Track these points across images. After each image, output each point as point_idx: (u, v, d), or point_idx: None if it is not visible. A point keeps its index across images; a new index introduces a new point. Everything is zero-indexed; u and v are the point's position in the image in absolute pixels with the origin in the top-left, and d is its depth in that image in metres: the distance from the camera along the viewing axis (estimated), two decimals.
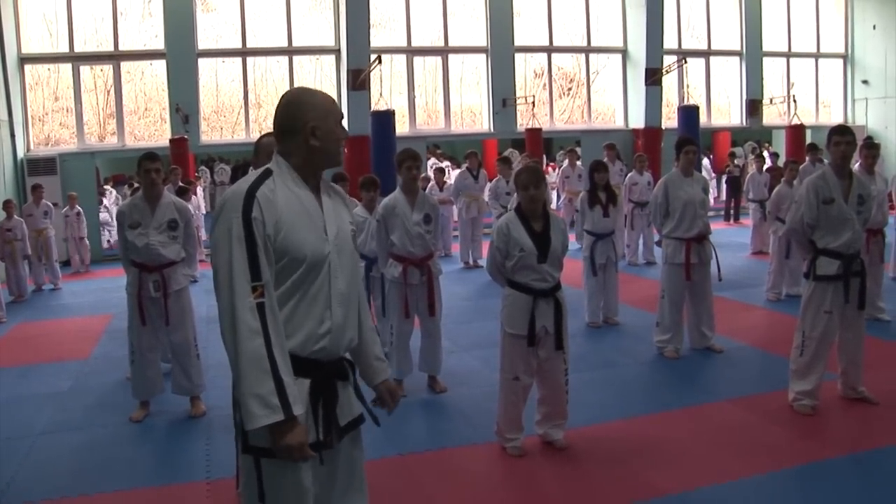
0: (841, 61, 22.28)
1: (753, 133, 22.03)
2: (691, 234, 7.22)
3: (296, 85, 17.24)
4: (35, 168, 15.72)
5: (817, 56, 22.06)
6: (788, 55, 21.71)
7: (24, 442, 5.94)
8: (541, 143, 17.88)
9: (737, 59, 20.93)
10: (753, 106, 20.76)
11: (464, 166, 14.43)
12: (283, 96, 2.83)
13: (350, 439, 2.88)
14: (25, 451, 5.75)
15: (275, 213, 2.59)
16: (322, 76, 17.94)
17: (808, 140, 17.20)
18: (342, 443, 2.82)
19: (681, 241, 7.24)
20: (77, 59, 16.76)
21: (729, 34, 20.87)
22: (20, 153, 15.84)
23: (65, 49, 16.68)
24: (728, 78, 21.22)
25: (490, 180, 13.53)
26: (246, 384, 2.50)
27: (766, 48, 20.99)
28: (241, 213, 2.56)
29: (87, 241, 15.18)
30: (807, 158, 12.73)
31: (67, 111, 17.16)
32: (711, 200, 8.83)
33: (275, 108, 2.82)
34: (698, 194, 7.27)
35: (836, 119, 21.33)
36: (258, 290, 2.53)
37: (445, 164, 18.17)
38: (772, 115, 21.40)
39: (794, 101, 20.42)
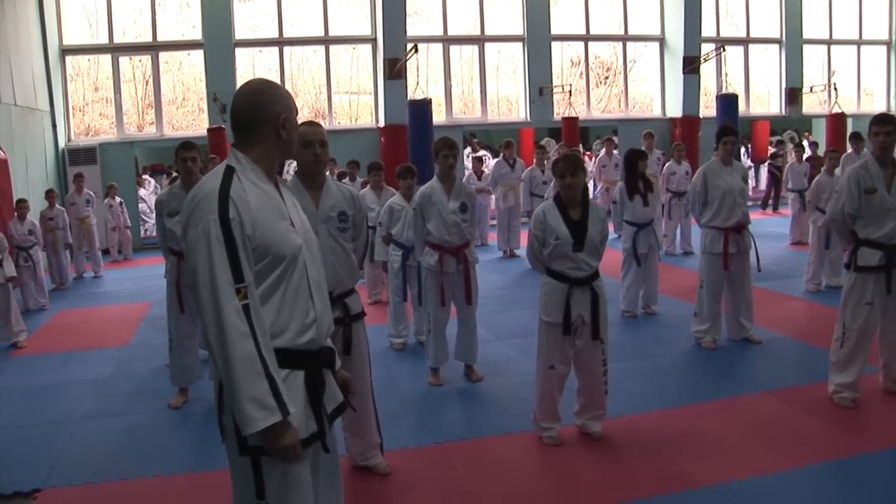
0: (884, 48, 21.87)
1: (793, 122, 21.71)
2: (730, 223, 7.13)
3: (332, 74, 17.37)
4: (76, 158, 15.95)
5: (859, 43, 21.68)
6: (829, 42, 21.34)
7: (67, 426, 6.06)
8: (577, 132, 17.77)
9: (776, 46, 20.63)
10: (793, 94, 20.48)
11: (500, 156, 14.40)
12: (243, 87, 2.78)
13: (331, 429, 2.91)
14: (68, 435, 5.86)
15: (250, 212, 2.57)
16: (358, 65, 17.98)
17: (850, 129, 16.94)
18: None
19: (719, 230, 7.15)
20: (116, 50, 16.96)
21: (768, 21, 20.57)
22: (61, 143, 16.10)
23: (104, 40, 16.88)
24: (767, 66, 20.92)
25: (526, 169, 13.48)
26: (242, 388, 2.47)
27: (806, 35, 20.66)
28: (216, 214, 2.51)
29: (129, 230, 15.37)
30: (849, 148, 12.55)
31: (107, 101, 17.37)
32: (750, 190, 8.70)
33: (233, 100, 2.76)
34: (737, 183, 7.17)
35: (878, 107, 20.95)
36: (242, 291, 2.49)
37: (483, 153, 18.11)
38: (812, 104, 21.07)
39: (835, 89, 20.11)
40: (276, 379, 2.51)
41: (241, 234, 2.52)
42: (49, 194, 12.37)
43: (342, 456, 4.89)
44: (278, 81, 15.29)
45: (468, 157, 17.28)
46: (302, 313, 2.69)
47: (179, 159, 6.18)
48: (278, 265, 2.62)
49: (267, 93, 2.74)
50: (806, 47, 20.75)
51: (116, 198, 14.97)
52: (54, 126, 15.82)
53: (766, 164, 19.16)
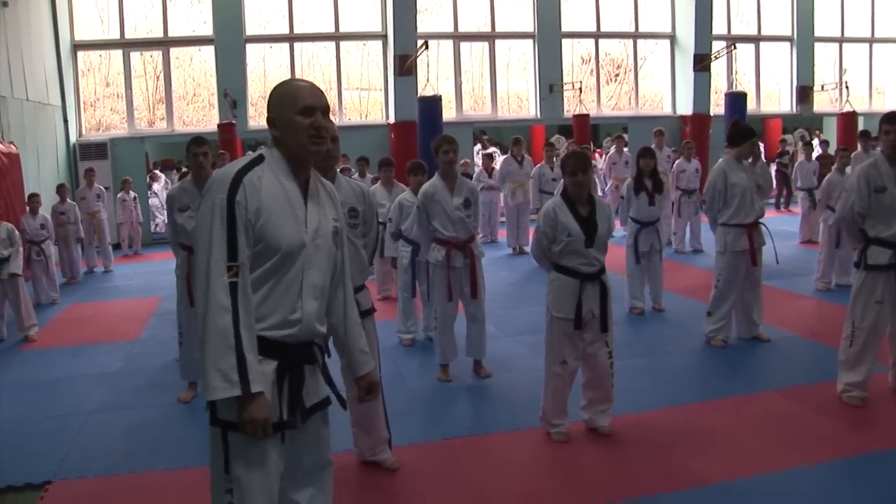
0: None
1: (804, 120, 21.64)
2: (750, 219, 7.09)
3: (343, 71, 17.41)
4: (87, 153, 16.02)
5: (872, 41, 21.56)
6: (841, 40, 21.23)
7: (78, 420, 6.09)
8: (588, 130, 17.76)
9: (787, 44, 20.54)
10: (804, 92, 20.39)
11: (509, 153, 14.39)
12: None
13: (318, 419, 2.96)
14: (78, 428, 5.90)
15: (257, 200, 2.68)
16: (369, 62, 17.99)
17: (861, 127, 16.86)
18: (311, 422, 2.90)
19: (741, 227, 7.10)
20: (127, 45, 17.02)
21: (780, 19, 20.47)
22: (73, 138, 16.17)
23: (116, 36, 16.95)
24: (778, 64, 20.84)
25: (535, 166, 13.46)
26: (210, 357, 2.60)
27: (818, 33, 20.56)
28: (226, 194, 2.65)
29: (140, 225, 15.43)
30: (859, 146, 12.50)
31: (118, 97, 17.44)
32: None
33: None
34: (749, 180, 7.14)
35: (890, 105, 20.81)
36: (233, 269, 2.62)
37: (493, 149, 18.10)
38: (823, 102, 20.98)
39: (847, 87, 20.00)
40: (248, 358, 2.61)
41: (244, 216, 2.64)
42: (60, 189, 12.43)
43: (350, 451, 4.95)
44: (288, 77, 15.38)
45: (478, 153, 17.29)
46: (286, 309, 2.75)
47: (191, 154, 6.18)
48: (272, 256, 2.71)
49: (270, 94, 2.87)
50: (817, 45, 20.65)
51: (130, 192, 15.04)
52: (66, 121, 15.90)
53: (773, 162, 19.07)
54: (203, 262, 2.63)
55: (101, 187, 13.97)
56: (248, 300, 2.65)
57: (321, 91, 2.88)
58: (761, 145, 20.18)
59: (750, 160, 7.29)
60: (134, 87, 17.22)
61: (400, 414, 5.46)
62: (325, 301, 2.93)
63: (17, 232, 8.81)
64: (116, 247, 15.23)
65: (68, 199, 12.50)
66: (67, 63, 16.19)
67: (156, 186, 18.02)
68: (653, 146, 11.30)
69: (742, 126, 7.47)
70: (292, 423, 2.79)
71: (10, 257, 8.58)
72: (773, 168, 18.59)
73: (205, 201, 2.69)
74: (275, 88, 2.87)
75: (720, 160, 7.39)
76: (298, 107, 2.76)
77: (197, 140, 6.25)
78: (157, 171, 19.06)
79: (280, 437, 2.77)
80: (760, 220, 7.21)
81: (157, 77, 17.43)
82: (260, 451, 2.72)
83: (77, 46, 16.65)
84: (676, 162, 12.87)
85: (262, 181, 2.71)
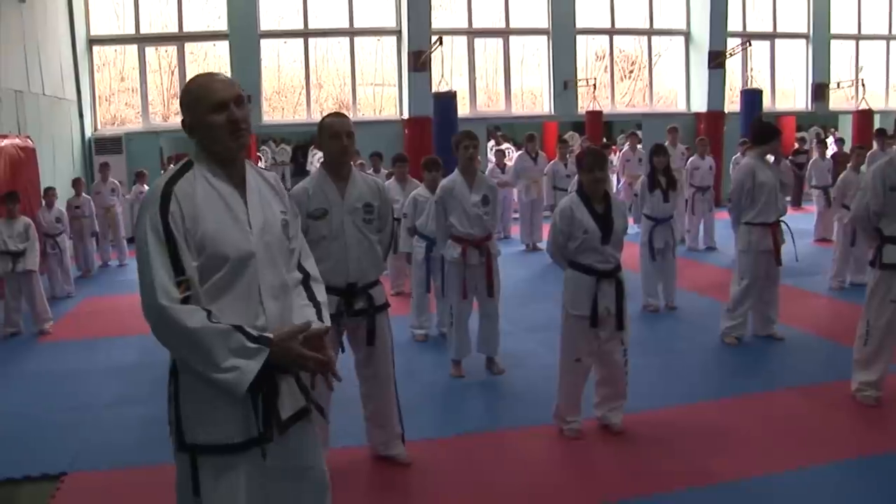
0: None
1: (819, 118, 21.51)
2: (773, 219, 7.04)
3: (357, 66, 17.43)
4: (102, 147, 16.08)
5: (889, 38, 21.39)
6: (858, 37, 21.07)
7: (92, 412, 6.15)
8: (602, 127, 17.73)
9: (803, 41, 20.42)
10: (820, 90, 20.27)
11: (523, 149, 14.38)
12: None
13: (301, 428, 2.77)
14: (92, 421, 5.95)
15: (192, 207, 2.52)
16: (383, 57, 17.98)
17: (877, 125, 16.78)
18: (293, 432, 2.71)
19: (765, 226, 7.04)
20: (143, 40, 17.07)
21: (795, 16, 20.35)
22: (88, 132, 16.25)
23: (131, 31, 16.99)
24: (794, 61, 20.72)
25: (549, 162, 13.45)
26: (217, 349, 2.45)
27: (834, 30, 20.43)
28: (157, 208, 2.49)
29: None
30: (874, 144, 12.44)
31: (133, 91, 17.50)
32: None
33: None
34: (775, 178, 7.10)
35: None
36: (183, 284, 2.46)
37: (507, 145, 18.09)
38: (839, 100, 20.84)
39: (863, 85, 19.87)
40: (242, 327, 2.49)
41: (181, 228, 2.49)
42: (76, 183, 12.51)
43: (363, 446, 4.96)
44: (303, 72, 15.38)
45: (491, 149, 17.29)
46: (248, 318, 2.56)
47: None
48: (221, 267, 2.55)
49: (181, 95, 2.71)
50: (834, 42, 20.52)
51: (146, 186, 15.08)
52: (81, 115, 15.97)
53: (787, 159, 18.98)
54: (148, 283, 2.45)
55: (116, 181, 14.02)
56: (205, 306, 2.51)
57: (230, 80, 2.70)
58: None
59: (773, 159, 7.25)
60: (149, 81, 17.29)
61: (413, 409, 5.46)
62: (289, 296, 2.76)
63: (34, 227, 8.87)
64: (131, 240, 15.29)
65: (83, 194, 12.56)
66: (83, 58, 16.26)
67: None
68: (666, 143, 11.28)
69: (768, 125, 7.44)
70: (268, 437, 2.62)
71: (26, 251, 8.63)
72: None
73: (139, 221, 2.53)
74: (183, 89, 2.70)
75: (747, 158, 7.34)
76: (209, 104, 2.59)
77: None
78: (172, 166, 19.12)
79: (261, 453, 2.61)
80: (781, 219, 7.18)
81: (172, 72, 17.49)
82: (232, 475, 2.62)
83: (92, 41, 16.71)
84: (690, 159, 12.83)
85: (194, 188, 2.55)
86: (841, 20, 20.58)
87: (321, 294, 2.90)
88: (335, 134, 4.40)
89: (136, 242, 2.55)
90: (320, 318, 2.80)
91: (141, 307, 2.49)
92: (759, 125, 7.41)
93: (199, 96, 2.62)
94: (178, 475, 2.69)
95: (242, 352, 2.47)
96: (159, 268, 2.45)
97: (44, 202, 10.86)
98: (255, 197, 2.70)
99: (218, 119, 2.59)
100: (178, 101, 2.73)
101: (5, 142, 11.01)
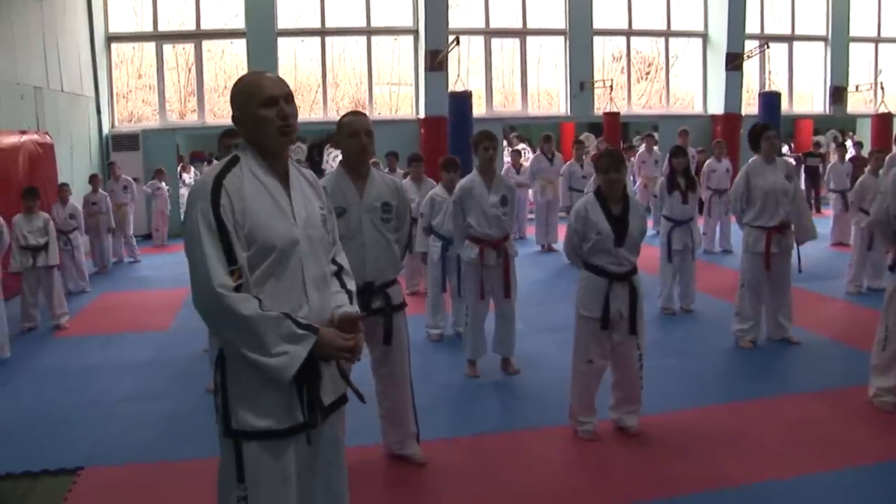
0: None
1: (837, 121, 21.38)
2: (773, 222, 7.03)
3: (374, 65, 17.45)
4: (119, 144, 16.21)
5: None
6: (877, 40, 20.95)
7: (108, 408, 6.19)
8: (618, 128, 17.71)
9: (822, 44, 20.32)
10: (838, 93, 20.17)
11: (539, 150, 14.37)
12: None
13: (334, 418, 2.87)
14: (109, 416, 5.99)
15: (242, 201, 2.60)
16: (400, 56, 18.01)
17: None
18: (326, 422, 2.80)
19: (762, 229, 7.07)
20: (160, 37, 17.17)
21: (814, 18, 20.26)
22: (105, 129, 16.34)
23: (149, 28, 17.11)
24: (812, 64, 20.61)
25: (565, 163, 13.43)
26: (268, 335, 2.54)
27: (853, 33, 20.31)
28: (209, 201, 2.57)
29: (169, 215, 15.59)
30: (894, 148, 12.36)
31: (150, 89, 17.61)
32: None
33: None
34: (781, 182, 7.06)
35: None
36: (235, 273, 2.54)
37: (522, 146, 18.08)
38: (857, 103, 20.73)
39: (882, 88, 19.75)
40: (290, 315, 2.59)
41: (231, 220, 2.57)
42: (93, 179, 12.58)
43: (378, 444, 4.97)
44: (319, 71, 15.38)
45: (507, 150, 17.28)
46: (292, 307, 2.65)
47: (223, 146, 6.22)
48: (267, 256, 2.62)
49: (232, 91, 2.80)
50: (852, 45, 20.40)
51: (164, 183, 15.23)
52: (99, 112, 16.06)
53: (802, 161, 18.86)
54: (202, 274, 2.54)
55: (130, 178, 14.12)
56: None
57: (281, 79, 2.78)
58: (791, 145, 20.12)
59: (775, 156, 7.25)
60: (166, 79, 17.38)
61: (428, 409, 5.47)
62: (330, 288, 2.87)
63: (52, 223, 8.92)
64: (147, 237, 15.45)
65: (100, 190, 12.62)
66: (101, 55, 16.36)
67: (185, 177, 18.16)
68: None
69: (753, 127, 7.46)
70: (314, 423, 2.71)
71: (46, 245, 8.68)
72: (802, 168, 18.40)
73: (188, 214, 2.62)
74: (234, 85, 2.80)
75: (749, 161, 7.36)
76: (260, 99, 2.68)
77: (230, 132, 6.26)
78: (187, 164, 19.20)
79: (306, 440, 2.71)
80: (788, 225, 7.14)
81: (189, 69, 17.57)
82: (278, 460, 2.69)
83: (111, 38, 16.82)
84: (707, 162, 12.81)
85: (242, 181, 2.64)
86: (860, 22, 20.45)
87: (352, 285, 3.01)
88: (354, 132, 4.40)
89: (186, 234, 2.63)
90: (352, 303, 2.91)
91: (192, 296, 2.61)
92: (749, 132, 7.44)
93: (250, 92, 2.71)
94: (222, 461, 2.74)
95: (292, 338, 2.57)
96: (213, 258, 2.53)
97: (59, 198, 10.90)
98: (298, 192, 2.79)
99: (268, 114, 2.68)
100: (229, 97, 2.80)
101: (24, 138, 11.09)
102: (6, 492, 4.72)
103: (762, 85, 19.44)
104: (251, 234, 2.60)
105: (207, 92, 17.47)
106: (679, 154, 8.62)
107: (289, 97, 2.73)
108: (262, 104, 2.67)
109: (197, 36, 17.21)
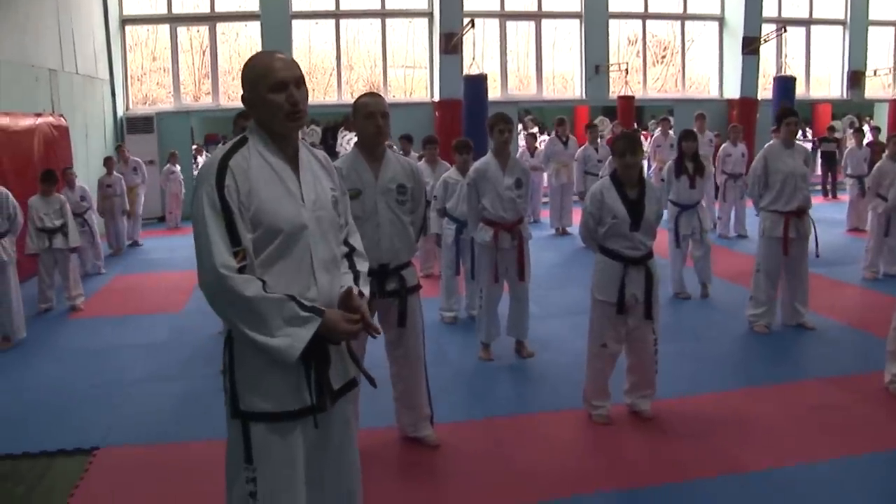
0: None
1: (854, 106, 21.22)
2: (791, 207, 6.99)
3: (388, 48, 17.40)
4: (133, 126, 16.27)
5: None
6: None
7: (123, 388, 6.23)
8: (633, 112, 17.62)
9: (840, 28, 20.14)
10: (856, 77, 19.99)
11: (553, 133, 14.32)
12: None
13: (344, 401, 2.85)
14: (124, 397, 6.04)
15: (247, 182, 2.58)
16: (415, 39, 17.96)
17: None
18: (337, 404, 2.78)
19: (780, 214, 7.03)
20: (175, 20, 17.18)
21: (832, 2, 20.07)
22: (120, 112, 16.37)
23: (163, 11, 17.13)
24: (830, 48, 20.44)
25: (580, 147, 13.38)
26: (271, 317, 2.51)
27: (872, 17, 20.12)
28: (214, 182, 2.55)
29: (183, 199, 15.63)
30: None
31: (164, 71, 17.63)
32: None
33: None
34: (799, 166, 7.01)
35: None
36: (240, 254, 2.52)
37: (534, 130, 18.01)
38: (875, 88, 20.55)
39: None
40: (295, 297, 2.56)
41: (236, 201, 2.54)
42: (107, 161, 12.60)
43: (392, 427, 4.98)
44: (334, 54, 15.36)
45: (521, 133, 17.21)
46: (300, 289, 2.62)
47: (238, 128, 6.22)
48: (274, 239, 2.60)
49: (243, 70, 2.75)
50: (871, 28, 20.20)
51: (177, 165, 15.27)
52: (113, 95, 16.07)
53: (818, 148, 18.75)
54: (206, 254, 2.51)
55: (138, 160, 14.18)
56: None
57: (293, 62, 2.72)
58: (809, 131, 19.96)
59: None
60: (180, 61, 17.40)
61: (442, 391, 5.48)
62: (339, 270, 2.83)
63: (68, 205, 8.94)
64: (161, 219, 15.53)
65: (115, 172, 12.64)
66: (116, 37, 16.37)
67: (200, 160, 18.21)
68: (694, 129, 11.19)
69: (781, 109, 7.40)
70: (322, 406, 2.69)
71: (62, 227, 8.70)
72: (819, 154, 18.28)
73: (195, 194, 2.59)
74: (245, 64, 2.74)
75: (766, 145, 7.31)
76: (270, 83, 2.63)
77: (244, 114, 6.27)
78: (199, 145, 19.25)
79: (313, 423, 2.69)
80: (806, 210, 7.10)
81: (203, 52, 17.58)
82: (286, 442, 2.68)
83: (125, 21, 16.85)
84: (723, 146, 12.74)
85: (249, 162, 2.61)
86: (879, 6, 20.23)
87: (362, 266, 2.96)
88: (370, 114, 4.39)
89: (192, 216, 2.60)
90: (357, 283, 2.87)
91: (198, 277, 2.57)
92: (776, 113, 7.40)
93: (260, 74, 2.66)
94: (230, 442, 2.74)
95: (295, 320, 2.54)
96: (217, 239, 2.51)
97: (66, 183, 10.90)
98: (308, 173, 2.75)
99: (277, 99, 2.63)
100: (240, 75, 2.76)
101: (39, 120, 11.12)
102: (23, 471, 4.75)
103: (779, 69, 19.28)
104: (257, 216, 2.57)
105: (222, 74, 17.46)
106: (689, 138, 8.57)
107: (299, 81, 2.68)
108: (271, 88, 2.63)
109: (211, 18, 17.20)
